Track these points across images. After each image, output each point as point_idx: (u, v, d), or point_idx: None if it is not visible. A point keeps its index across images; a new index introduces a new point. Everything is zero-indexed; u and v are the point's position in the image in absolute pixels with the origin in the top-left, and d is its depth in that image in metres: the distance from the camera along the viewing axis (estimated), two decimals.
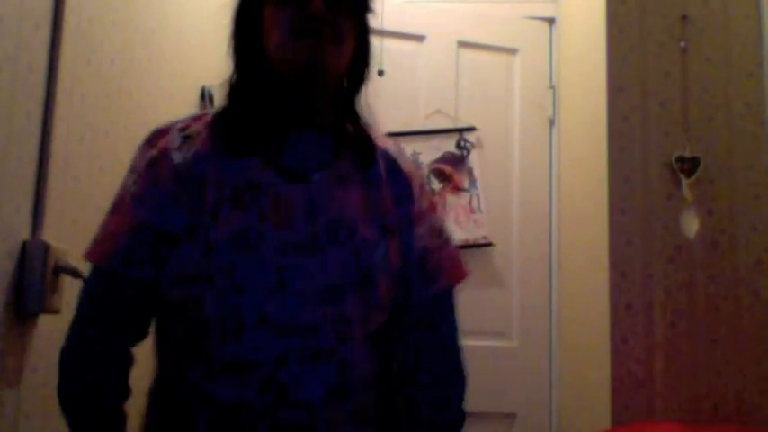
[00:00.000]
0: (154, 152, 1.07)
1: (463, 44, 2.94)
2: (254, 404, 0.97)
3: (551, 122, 2.95)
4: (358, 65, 1.12)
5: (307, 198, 1.04)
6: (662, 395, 2.13)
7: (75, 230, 1.47)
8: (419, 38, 2.90)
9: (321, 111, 1.10)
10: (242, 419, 0.98)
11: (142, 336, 1.09)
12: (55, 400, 1.40)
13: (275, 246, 1.00)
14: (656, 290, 2.18)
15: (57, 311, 1.34)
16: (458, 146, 2.84)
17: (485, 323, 2.69)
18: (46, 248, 1.30)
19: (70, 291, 1.39)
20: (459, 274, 1.15)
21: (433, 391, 1.12)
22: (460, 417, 1.13)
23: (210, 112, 1.12)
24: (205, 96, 2.42)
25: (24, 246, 1.28)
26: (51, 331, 1.37)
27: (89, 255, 1.08)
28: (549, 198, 2.89)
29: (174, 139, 1.07)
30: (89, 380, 1.08)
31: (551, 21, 3.01)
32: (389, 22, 2.72)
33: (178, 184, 1.03)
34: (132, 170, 1.10)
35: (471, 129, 2.86)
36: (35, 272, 1.28)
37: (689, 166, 2.21)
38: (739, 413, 2.11)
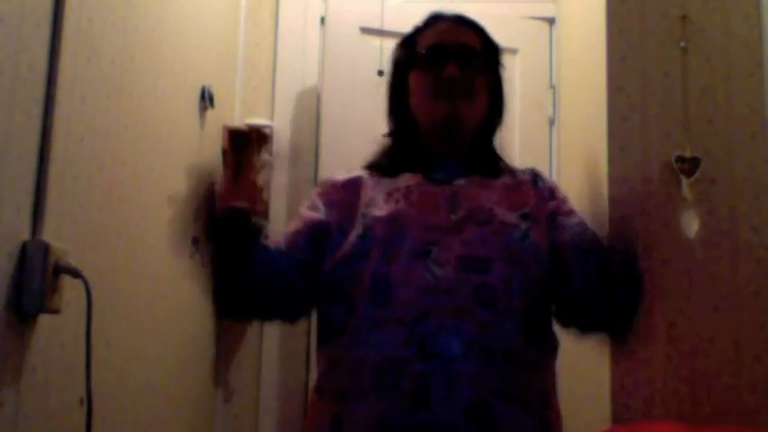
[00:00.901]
0: (321, 184, 1.34)
1: None
2: (399, 356, 1.07)
3: (551, 122, 2.95)
4: (493, 111, 1.31)
5: (450, 194, 1.21)
6: (662, 395, 2.13)
7: (75, 230, 1.47)
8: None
9: (461, 150, 1.29)
10: (389, 372, 1.07)
11: (297, 304, 1.26)
12: (55, 400, 1.40)
13: (421, 226, 1.16)
14: (656, 290, 2.18)
15: (57, 311, 1.34)
16: None
17: None
18: (46, 248, 1.29)
19: (70, 291, 1.39)
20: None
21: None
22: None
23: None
24: (205, 96, 2.42)
25: (24, 246, 1.28)
26: (51, 331, 1.37)
27: (272, 240, 1.28)
28: None
29: (339, 175, 1.33)
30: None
31: (551, 21, 3.01)
32: (389, 22, 2.72)
33: (338, 192, 1.27)
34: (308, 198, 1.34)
35: None
36: (35, 272, 1.28)
37: (689, 166, 2.21)
38: (739, 413, 2.11)
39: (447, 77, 1.21)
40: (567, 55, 2.88)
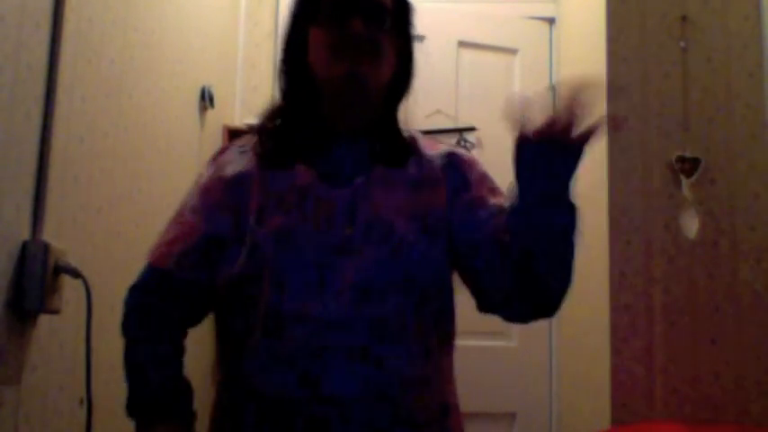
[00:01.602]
0: (210, 168, 1.17)
1: (463, 44, 2.94)
2: (293, 397, 1.02)
3: None
4: (400, 77, 1.18)
5: (348, 200, 1.08)
6: (662, 395, 2.13)
7: (75, 230, 1.47)
8: (419, 38, 2.88)
9: (362, 122, 1.15)
10: (282, 412, 1.02)
11: (195, 322, 1.20)
12: (55, 400, 1.40)
13: (314, 245, 1.05)
14: (656, 290, 2.18)
15: (57, 311, 1.34)
16: (458, 146, 2.84)
17: (485, 323, 2.67)
18: (46, 248, 1.29)
19: (70, 291, 1.39)
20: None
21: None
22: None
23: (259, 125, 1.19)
24: (205, 96, 2.42)
25: (24, 246, 1.28)
26: (51, 331, 1.37)
27: (150, 256, 1.17)
28: None
29: (230, 154, 1.17)
30: (144, 335, 1.16)
31: (551, 21, 3.01)
32: None
33: (225, 193, 1.11)
34: (195, 184, 1.18)
35: (471, 129, 2.86)
36: (35, 272, 1.28)
37: (689, 166, 2.21)
38: (739, 413, 2.11)
39: (351, 34, 1.07)
40: (567, 55, 2.88)
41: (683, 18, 2.29)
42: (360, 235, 1.06)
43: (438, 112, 2.85)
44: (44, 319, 1.34)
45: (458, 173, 1.15)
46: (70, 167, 1.44)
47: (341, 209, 1.08)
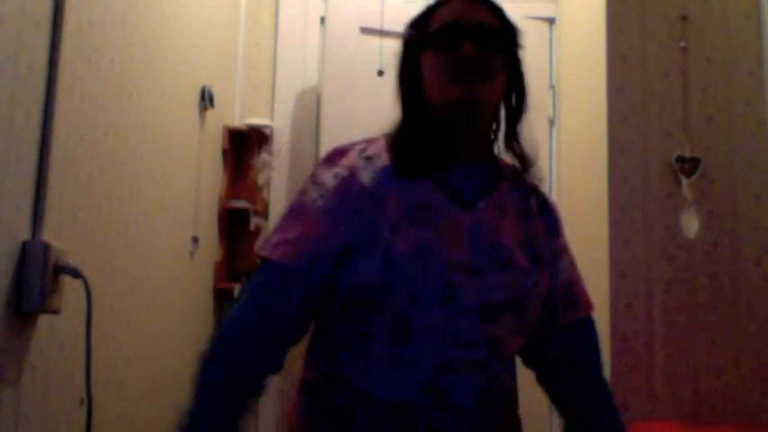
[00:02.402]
0: (340, 170, 1.16)
1: None
2: (414, 404, 1.06)
3: (551, 122, 2.95)
4: (512, 96, 1.24)
5: (472, 223, 1.13)
6: (662, 395, 2.13)
7: (75, 230, 1.47)
8: None
9: (480, 142, 1.20)
10: (399, 417, 1.06)
11: (300, 337, 1.16)
12: (55, 400, 1.40)
13: (447, 263, 1.09)
14: (656, 290, 2.18)
15: (57, 311, 1.34)
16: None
17: None
18: (46, 248, 1.30)
19: (70, 291, 1.39)
20: (591, 306, 1.28)
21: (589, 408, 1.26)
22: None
23: (383, 137, 1.22)
24: (205, 96, 2.42)
25: (24, 246, 1.28)
26: (51, 331, 1.37)
27: (272, 253, 1.11)
28: None
29: (357, 159, 1.17)
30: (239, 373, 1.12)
31: (551, 21, 3.01)
32: (389, 22, 2.72)
33: (363, 201, 1.13)
34: (315, 183, 1.16)
35: None
36: (35, 272, 1.28)
37: (689, 166, 2.21)
38: (739, 413, 2.11)
39: (463, 57, 1.12)
40: (567, 55, 2.88)
41: (683, 18, 2.29)
42: (484, 258, 1.11)
43: None
44: (44, 319, 1.34)
45: (552, 216, 1.25)
46: (70, 167, 1.44)
47: (467, 231, 1.12)
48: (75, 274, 1.36)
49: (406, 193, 1.13)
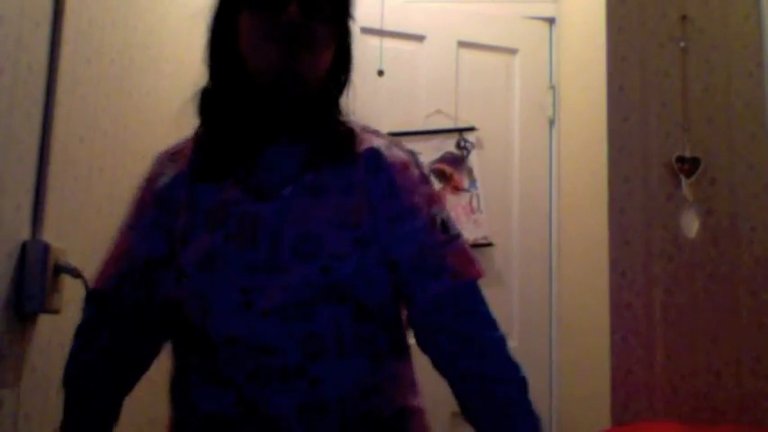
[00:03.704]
0: (143, 179, 1.13)
1: (463, 44, 2.94)
2: (231, 417, 0.99)
3: (551, 122, 2.95)
4: (338, 71, 1.10)
5: (275, 214, 1.02)
6: (662, 395, 2.13)
7: (75, 230, 1.47)
8: (419, 38, 2.90)
9: (297, 118, 1.07)
10: (223, 430, 1.01)
11: (147, 345, 1.15)
12: (55, 400, 1.40)
13: (239, 267, 1.00)
14: (656, 290, 2.18)
15: (57, 311, 1.34)
16: (458, 146, 2.84)
17: None
18: (46, 248, 1.30)
19: (70, 291, 1.39)
20: (467, 272, 1.05)
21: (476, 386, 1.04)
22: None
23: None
24: None
25: (24, 246, 1.28)
26: (51, 331, 1.37)
27: (94, 278, 1.15)
28: (548, 198, 2.89)
29: (163, 163, 1.12)
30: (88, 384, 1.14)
31: (551, 21, 3.01)
32: (389, 22, 2.72)
33: (158, 210, 1.07)
34: (133, 198, 1.15)
35: (471, 129, 2.86)
36: (35, 272, 1.28)
37: (689, 166, 2.21)
38: (739, 413, 2.11)
39: (286, 21, 1.00)
40: (567, 55, 2.88)
41: (683, 18, 2.29)
42: (287, 252, 1.00)
43: (438, 112, 2.85)
44: (44, 319, 1.34)
45: (381, 178, 1.06)
46: (70, 167, 1.44)
47: (267, 225, 1.01)
48: (76, 274, 1.36)
49: (202, 196, 1.05)
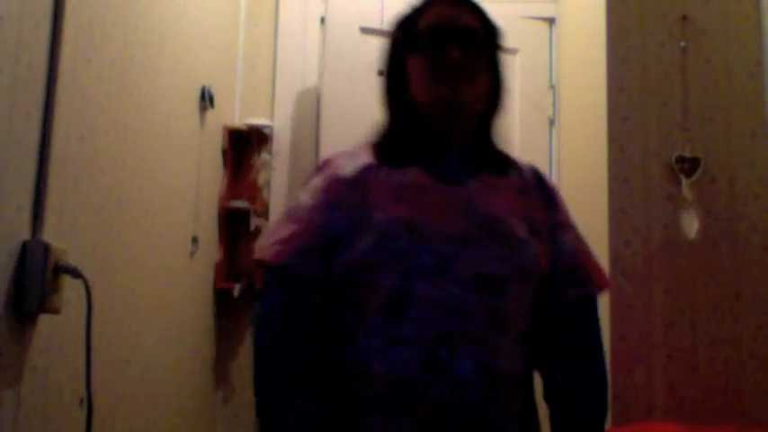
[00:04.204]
0: (326, 172, 1.21)
1: None
2: (415, 379, 1.05)
3: (551, 122, 2.95)
4: (493, 96, 1.24)
5: (463, 198, 1.15)
6: (662, 395, 2.13)
7: (75, 230, 1.47)
8: None
9: (465, 136, 1.22)
10: (403, 393, 1.06)
11: (321, 323, 1.16)
12: (55, 400, 1.40)
13: (439, 236, 1.10)
14: (656, 290, 2.18)
15: (57, 311, 1.34)
16: None
17: None
18: (46, 248, 1.30)
19: (70, 291, 1.39)
20: (604, 282, 1.25)
21: (576, 391, 1.20)
22: (602, 416, 1.21)
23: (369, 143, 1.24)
24: (205, 96, 2.42)
25: (24, 246, 1.28)
26: (51, 331, 1.37)
27: (267, 255, 1.16)
28: None
29: (340, 160, 1.22)
30: (301, 403, 1.11)
31: (551, 21, 3.02)
32: (389, 23, 2.72)
33: (345, 191, 1.16)
34: (305, 188, 1.22)
35: None
36: (35, 272, 1.28)
37: (689, 166, 2.21)
38: (739, 413, 2.11)
39: (449, 61, 1.15)
40: (567, 55, 2.88)
41: (683, 18, 2.29)
42: (479, 230, 1.12)
43: None
44: (44, 319, 1.34)
45: (548, 190, 1.26)
46: (70, 167, 1.44)
47: (459, 205, 1.14)
48: (75, 274, 1.36)
49: (391, 176, 1.16)
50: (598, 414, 1.20)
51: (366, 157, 1.20)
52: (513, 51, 2.97)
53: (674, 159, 2.22)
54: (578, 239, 1.24)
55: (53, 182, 1.35)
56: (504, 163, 1.23)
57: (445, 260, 1.09)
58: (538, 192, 1.23)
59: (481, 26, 1.23)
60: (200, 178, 2.44)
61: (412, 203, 1.13)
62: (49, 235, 1.33)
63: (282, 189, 2.88)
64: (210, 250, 2.63)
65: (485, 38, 1.22)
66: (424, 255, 1.09)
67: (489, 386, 1.07)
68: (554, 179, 2.89)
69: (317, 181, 1.20)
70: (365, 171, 1.17)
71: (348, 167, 1.19)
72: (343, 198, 1.15)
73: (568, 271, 1.20)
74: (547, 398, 1.21)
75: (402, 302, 1.07)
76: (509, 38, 3.01)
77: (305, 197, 1.19)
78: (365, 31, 2.78)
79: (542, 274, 1.16)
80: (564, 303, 1.20)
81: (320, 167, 1.24)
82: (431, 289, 1.07)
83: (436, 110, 1.18)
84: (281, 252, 1.14)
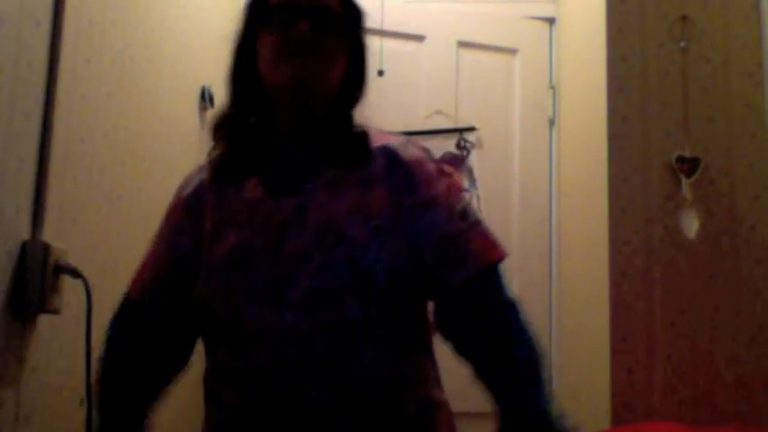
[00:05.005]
0: (176, 193, 1.19)
1: (463, 44, 2.94)
2: (266, 409, 1.02)
3: (551, 122, 2.95)
4: (351, 81, 1.15)
5: (296, 208, 1.06)
6: (662, 395, 2.13)
7: (75, 230, 1.47)
8: (419, 38, 2.90)
9: (311, 126, 1.13)
10: (250, 420, 1.03)
11: (180, 350, 1.19)
12: (55, 400, 1.40)
13: (268, 261, 1.04)
14: (656, 290, 2.18)
15: (57, 311, 1.34)
16: (458, 146, 2.85)
17: None
18: (46, 248, 1.30)
19: (70, 291, 1.39)
20: (491, 255, 1.08)
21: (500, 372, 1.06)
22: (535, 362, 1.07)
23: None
24: (205, 96, 2.42)
25: (24, 246, 1.28)
26: (51, 331, 1.37)
27: (128, 289, 1.18)
28: (548, 198, 2.89)
29: (190, 177, 1.19)
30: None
31: (551, 21, 3.02)
32: (389, 22, 2.72)
33: (184, 215, 1.14)
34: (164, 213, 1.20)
35: (471, 129, 2.86)
36: (35, 272, 1.28)
37: (689, 166, 2.21)
38: (739, 413, 2.11)
39: (296, 36, 1.07)
40: (567, 55, 2.88)
41: (683, 18, 2.29)
42: (312, 242, 1.04)
43: (438, 112, 2.85)
44: (44, 319, 1.34)
45: (400, 171, 1.10)
46: (70, 167, 1.44)
47: (291, 218, 1.06)
48: (75, 274, 1.36)
49: (226, 196, 1.11)
50: (529, 361, 1.05)
51: (203, 173, 1.16)
52: (513, 51, 2.97)
53: (674, 159, 2.22)
54: (449, 216, 1.08)
55: (53, 182, 1.35)
56: (356, 153, 1.11)
57: (277, 285, 1.02)
58: (388, 178, 1.09)
59: (339, 5, 1.13)
60: None
61: (242, 227, 1.07)
62: (49, 235, 1.33)
63: None
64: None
65: (342, 16, 1.12)
66: (255, 285, 1.03)
67: (347, 404, 1.01)
68: (554, 179, 2.90)
69: (170, 202, 1.19)
70: (200, 191, 1.13)
71: (188, 187, 1.16)
72: (181, 222, 1.14)
73: (438, 254, 1.07)
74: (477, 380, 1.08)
75: (240, 338, 1.04)
76: (509, 38, 3.02)
77: (162, 221, 1.19)
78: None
79: (392, 278, 1.04)
80: (446, 291, 1.07)
81: (180, 183, 1.21)
82: (266, 318, 1.01)
83: (283, 91, 1.09)
84: (133, 284, 1.18)
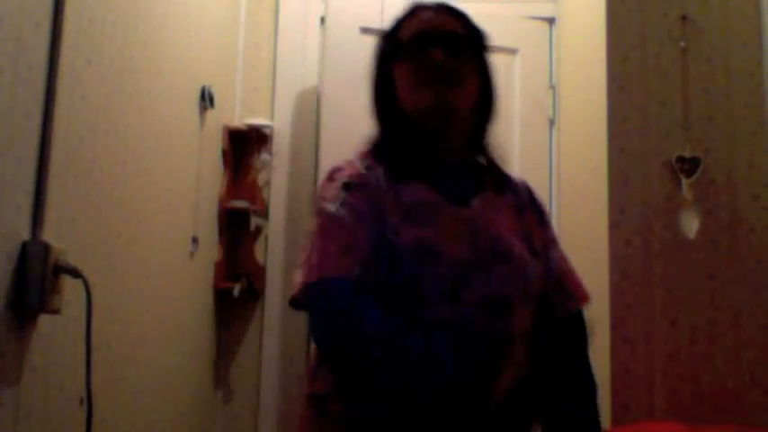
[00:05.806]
0: (349, 179, 1.15)
1: None
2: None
3: (551, 122, 2.95)
4: (484, 101, 1.24)
5: (469, 220, 1.15)
6: (662, 395, 2.13)
7: (75, 230, 1.47)
8: None
9: (459, 145, 1.22)
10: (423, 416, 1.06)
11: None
12: (55, 400, 1.40)
13: (449, 260, 1.10)
14: (656, 290, 2.18)
15: (57, 311, 1.34)
16: None
17: None
18: (46, 248, 1.30)
19: (70, 291, 1.39)
20: (587, 297, 1.29)
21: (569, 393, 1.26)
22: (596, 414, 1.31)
23: (366, 151, 1.23)
24: (205, 96, 2.42)
25: (24, 246, 1.28)
26: (51, 331, 1.37)
27: (321, 272, 1.07)
28: (549, 198, 2.89)
29: (360, 169, 1.18)
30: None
31: (551, 21, 3.01)
32: (389, 23, 2.72)
33: (378, 203, 1.14)
34: (327, 199, 1.15)
35: None
36: (35, 272, 1.28)
37: (689, 166, 2.21)
38: (739, 413, 2.11)
39: (433, 63, 1.15)
40: (567, 55, 2.88)
41: (683, 18, 2.29)
42: (487, 252, 1.12)
43: None
44: (44, 319, 1.34)
45: (538, 206, 1.28)
46: (70, 167, 1.44)
47: (466, 227, 1.13)
48: (75, 274, 1.36)
49: (403, 194, 1.14)
50: (593, 411, 1.29)
51: (378, 169, 1.17)
52: (513, 51, 2.97)
53: (674, 159, 2.22)
54: (563, 256, 1.28)
55: (53, 182, 1.35)
56: (501, 181, 1.24)
57: (455, 285, 1.08)
58: (532, 209, 1.26)
59: (464, 30, 1.23)
60: (200, 178, 2.44)
61: (423, 225, 1.11)
62: (49, 235, 1.33)
63: (282, 189, 2.88)
64: (210, 250, 2.63)
65: (469, 40, 1.22)
66: (436, 281, 1.08)
67: (513, 404, 1.11)
68: (554, 179, 2.90)
69: (341, 189, 1.14)
70: (379, 185, 1.15)
71: (371, 179, 1.15)
72: (371, 213, 1.11)
73: (557, 287, 1.23)
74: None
75: (421, 324, 1.05)
76: (509, 38, 3.02)
77: (334, 207, 1.12)
78: (365, 31, 2.78)
79: (541, 291, 1.19)
80: (553, 319, 1.23)
81: (331, 175, 1.18)
82: (444, 314, 1.07)
83: (426, 116, 1.17)
84: (339, 266, 1.07)
